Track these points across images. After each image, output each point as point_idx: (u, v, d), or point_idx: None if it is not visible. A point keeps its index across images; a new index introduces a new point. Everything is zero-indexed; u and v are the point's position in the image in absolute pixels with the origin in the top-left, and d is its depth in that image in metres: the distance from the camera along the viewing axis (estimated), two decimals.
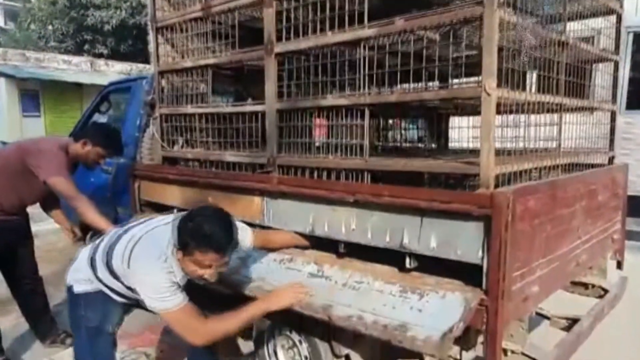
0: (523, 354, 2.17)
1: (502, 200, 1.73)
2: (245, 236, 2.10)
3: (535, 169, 2.27)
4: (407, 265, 2.07)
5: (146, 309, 1.91)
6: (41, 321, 3.07)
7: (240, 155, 2.78)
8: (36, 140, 2.91)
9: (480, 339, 2.00)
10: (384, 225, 2.10)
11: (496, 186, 1.89)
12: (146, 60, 15.97)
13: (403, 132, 4.56)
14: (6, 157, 2.80)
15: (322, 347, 2.37)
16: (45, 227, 4.19)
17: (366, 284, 2.05)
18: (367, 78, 2.21)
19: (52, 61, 14.53)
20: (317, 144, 2.63)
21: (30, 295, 3.03)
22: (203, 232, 1.72)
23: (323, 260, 2.27)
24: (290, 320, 2.44)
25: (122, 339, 2.95)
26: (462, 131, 4.00)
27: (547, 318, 2.58)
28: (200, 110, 3.05)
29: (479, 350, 2.05)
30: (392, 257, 2.12)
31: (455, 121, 4.12)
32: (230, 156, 2.84)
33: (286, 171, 2.53)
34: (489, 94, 1.77)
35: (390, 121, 4.63)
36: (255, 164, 2.68)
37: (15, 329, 3.03)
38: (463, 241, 1.86)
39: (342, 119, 2.35)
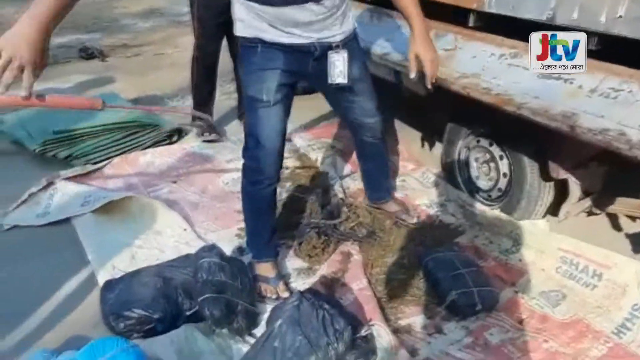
0: None
1: None
2: None
3: None
4: None
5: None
6: (201, 110, 3.01)
7: None
8: None
9: None
10: None
11: None
12: None
13: None
14: None
15: (530, 166, 2.00)
16: None
17: (628, 93, 1.49)
18: None
19: None
20: None
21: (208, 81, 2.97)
22: None
23: None
24: (496, 130, 2.08)
25: (305, 131, 2.96)
26: None
27: None
28: None
29: None
30: None
31: None
32: None
33: None
34: None
35: None
36: None
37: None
38: None
39: None
